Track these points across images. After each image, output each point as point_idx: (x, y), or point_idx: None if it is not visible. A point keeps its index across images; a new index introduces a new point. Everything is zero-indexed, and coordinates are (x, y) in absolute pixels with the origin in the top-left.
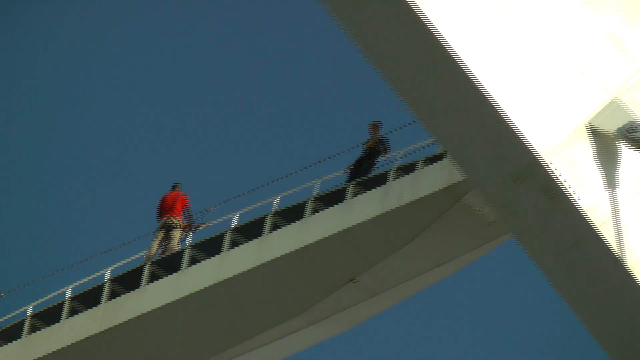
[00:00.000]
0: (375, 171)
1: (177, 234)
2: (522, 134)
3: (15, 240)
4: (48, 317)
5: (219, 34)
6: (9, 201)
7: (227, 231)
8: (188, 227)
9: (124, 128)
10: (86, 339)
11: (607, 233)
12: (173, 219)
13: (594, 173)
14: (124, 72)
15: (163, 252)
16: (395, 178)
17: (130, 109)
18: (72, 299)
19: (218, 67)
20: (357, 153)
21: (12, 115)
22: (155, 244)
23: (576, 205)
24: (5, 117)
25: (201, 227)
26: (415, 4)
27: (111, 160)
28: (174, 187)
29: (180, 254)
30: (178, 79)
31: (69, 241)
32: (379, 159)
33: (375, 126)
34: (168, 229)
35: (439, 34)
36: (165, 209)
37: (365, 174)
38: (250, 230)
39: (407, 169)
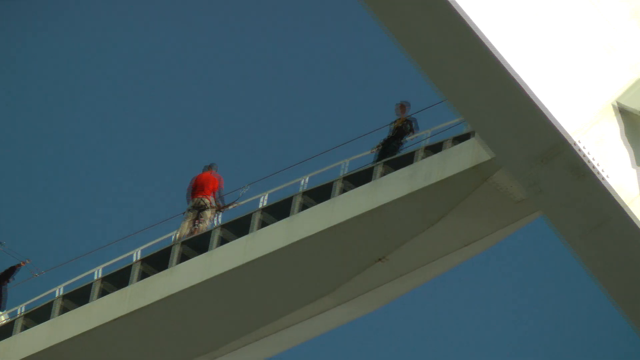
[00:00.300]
0: (403, 151)
1: (208, 214)
2: (549, 113)
3: (45, 222)
4: (78, 297)
5: (251, 13)
6: (40, 184)
7: (255, 211)
8: (218, 208)
9: (155, 110)
10: (116, 319)
11: (636, 210)
12: (205, 200)
13: (622, 151)
14: (162, 54)
15: (192, 233)
16: (423, 157)
17: (164, 90)
18: (102, 279)
19: (245, 47)
20: (385, 133)
21: (50, 103)
22: (185, 225)
23: (604, 184)
24: (45, 103)
25: (230, 207)
26: None
27: (143, 140)
28: (207, 168)
29: (209, 234)
30: (209, 61)
31: (99, 222)
32: (407, 138)
33: (402, 106)
34: (199, 209)
35: (467, 17)
36: (197, 189)
37: (393, 154)
38: (278, 210)
39: (434, 148)
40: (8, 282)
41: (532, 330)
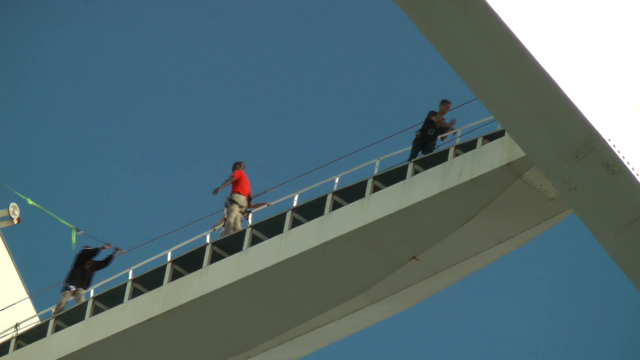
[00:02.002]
0: (436, 149)
1: (234, 209)
2: (581, 110)
3: (76, 223)
4: (110, 298)
5: (285, 12)
6: (75, 187)
7: (288, 211)
8: (249, 207)
9: (186, 110)
10: (149, 320)
11: None
12: (241, 196)
13: None
14: (193, 53)
15: (218, 225)
16: (455, 156)
17: (194, 92)
18: (134, 280)
19: (277, 46)
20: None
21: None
22: (234, 217)
23: (637, 180)
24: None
25: (261, 208)
26: None
27: (171, 142)
28: (240, 165)
29: (241, 234)
30: (240, 60)
31: (130, 223)
32: (444, 135)
33: (445, 102)
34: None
35: (499, 15)
36: (237, 184)
37: (430, 151)
38: (311, 210)
39: (467, 146)
40: (93, 264)
41: (567, 329)
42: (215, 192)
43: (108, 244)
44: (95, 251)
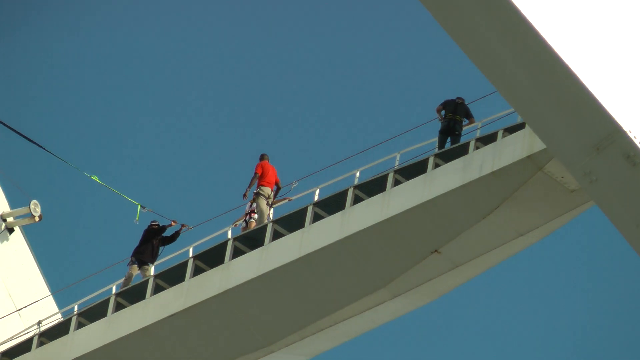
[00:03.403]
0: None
1: (261, 202)
2: (602, 102)
3: (99, 222)
4: (133, 295)
5: (306, 6)
6: (137, 164)
7: (309, 205)
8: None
9: (207, 105)
10: (172, 315)
11: None
12: (268, 189)
13: None
14: (211, 45)
15: (239, 221)
16: (476, 149)
17: (216, 86)
18: (156, 276)
19: (297, 39)
20: (436, 125)
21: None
22: (242, 218)
23: None
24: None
25: (282, 203)
26: None
27: (193, 136)
28: (265, 157)
29: (263, 229)
30: (261, 55)
31: (190, 201)
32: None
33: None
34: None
35: (520, 9)
36: (263, 177)
37: (457, 138)
38: (332, 204)
39: (487, 139)
40: (160, 240)
41: (588, 321)
42: (245, 196)
43: (174, 221)
44: (164, 228)
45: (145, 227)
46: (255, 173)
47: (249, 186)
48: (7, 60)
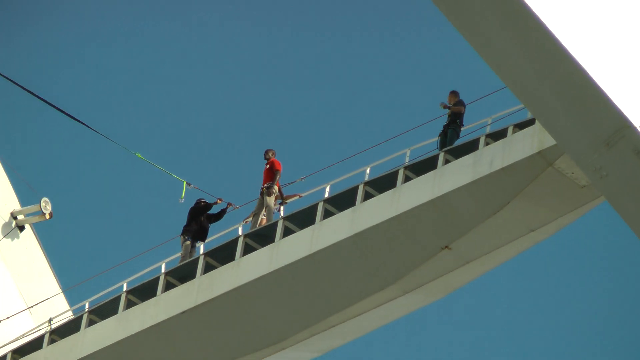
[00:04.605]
0: (465, 138)
1: (269, 200)
2: (611, 97)
3: (110, 220)
4: (143, 292)
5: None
6: (109, 182)
7: (319, 202)
8: (282, 198)
9: (217, 101)
10: (183, 312)
11: None
12: (266, 184)
13: None
14: (227, 45)
15: (250, 218)
16: (486, 145)
17: (221, 80)
18: (167, 273)
19: (306, 37)
20: (444, 121)
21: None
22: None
23: None
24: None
25: (292, 199)
26: None
27: (198, 132)
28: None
29: (273, 225)
30: (269, 50)
31: (161, 216)
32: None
33: (453, 92)
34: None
35: (528, 5)
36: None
37: (451, 139)
38: (342, 201)
39: (497, 135)
40: (207, 217)
41: (601, 316)
42: (283, 201)
43: (220, 199)
44: (210, 205)
45: (192, 206)
46: (277, 170)
47: (278, 184)
48: (46, 37)
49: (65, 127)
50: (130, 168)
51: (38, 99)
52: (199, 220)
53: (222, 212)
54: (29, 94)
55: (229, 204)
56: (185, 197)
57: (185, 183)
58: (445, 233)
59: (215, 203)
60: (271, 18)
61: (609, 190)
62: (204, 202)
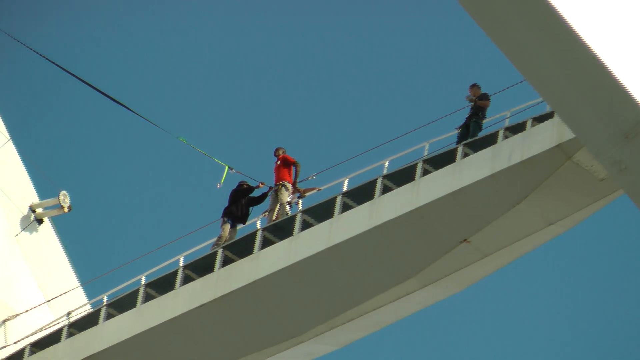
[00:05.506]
0: (484, 131)
1: (283, 195)
2: (630, 90)
3: (128, 214)
4: (162, 285)
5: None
6: (127, 177)
7: (338, 195)
8: (296, 192)
9: (225, 92)
10: (201, 306)
11: None
12: (284, 182)
13: None
14: (236, 43)
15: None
16: (505, 138)
17: (236, 76)
18: (185, 267)
19: (323, 31)
20: (464, 114)
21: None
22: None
23: None
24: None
25: (311, 192)
26: None
27: (214, 125)
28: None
29: (292, 219)
30: (286, 41)
31: (180, 211)
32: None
33: (475, 85)
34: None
35: None
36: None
37: (474, 132)
38: (361, 194)
39: (516, 128)
40: (248, 201)
41: (618, 308)
42: (301, 195)
43: (262, 183)
44: (252, 188)
45: (234, 188)
46: (296, 163)
47: (297, 179)
48: (80, 15)
49: (83, 119)
50: (149, 160)
51: (75, 79)
52: (240, 203)
53: (263, 196)
54: (67, 73)
55: (270, 187)
56: (224, 182)
57: (227, 167)
58: (463, 226)
59: (257, 187)
60: (299, 15)
61: (628, 183)
62: (247, 184)
